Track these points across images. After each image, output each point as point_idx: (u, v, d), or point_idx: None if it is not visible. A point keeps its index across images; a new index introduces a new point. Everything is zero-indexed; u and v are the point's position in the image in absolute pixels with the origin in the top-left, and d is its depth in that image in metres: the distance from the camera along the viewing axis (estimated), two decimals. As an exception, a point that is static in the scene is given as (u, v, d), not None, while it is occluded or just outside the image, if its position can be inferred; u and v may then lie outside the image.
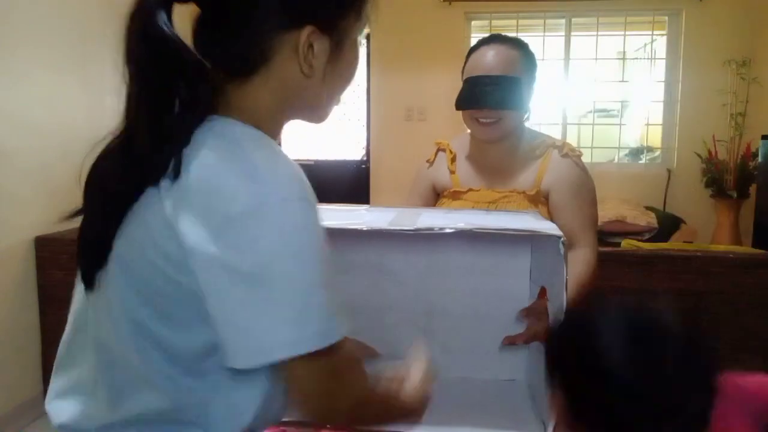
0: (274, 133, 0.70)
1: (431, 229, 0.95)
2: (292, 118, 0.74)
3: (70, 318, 0.75)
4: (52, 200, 2.54)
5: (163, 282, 0.61)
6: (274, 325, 0.58)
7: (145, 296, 0.63)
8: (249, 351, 0.59)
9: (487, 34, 1.42)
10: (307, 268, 0.59)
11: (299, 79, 0.68)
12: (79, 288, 0.72)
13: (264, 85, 0.67)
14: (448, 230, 0.94)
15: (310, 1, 0.66)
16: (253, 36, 0.65)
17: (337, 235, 1.16)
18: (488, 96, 1.30)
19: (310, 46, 0.66)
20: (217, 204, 0.58)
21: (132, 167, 0.63)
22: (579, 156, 1.38)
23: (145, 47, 0.61)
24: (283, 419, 1.00)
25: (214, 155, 0.61)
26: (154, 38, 0.61)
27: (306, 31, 0.66)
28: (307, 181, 0.63)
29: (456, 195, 1.43)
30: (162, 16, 0.61)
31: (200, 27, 0.67)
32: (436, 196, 1.50)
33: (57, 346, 0.77)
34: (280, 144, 0.76)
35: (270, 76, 0.67)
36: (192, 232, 0.58)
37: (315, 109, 0.74)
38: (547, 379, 0.78)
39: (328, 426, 1.00)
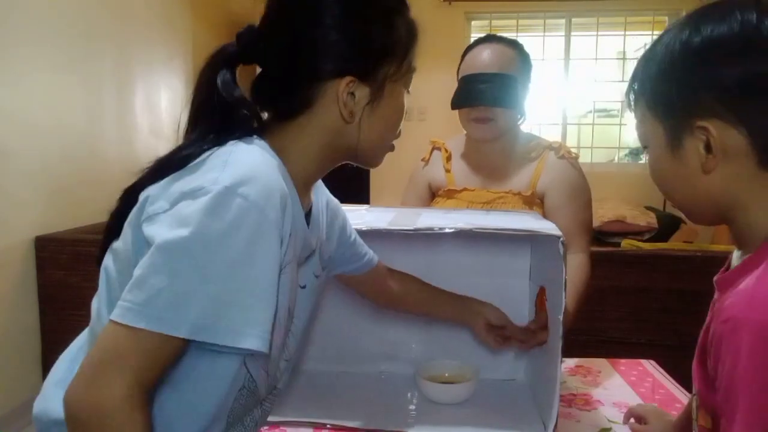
0: (302, 172, 0.75)
1: (431, 229, 0.95)
2: (338, 162, 0.79)
3: None
4: (52, 200, 2.54)
5: (127, 239, 0.67)
6: (148, 294, 0.58)
7: (119, 256, 0.69)
8: (124, 307, 0.59)
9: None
10: (209, 257, 0.59)
11: (338, 124, 0.74)
12: None
13: (304, 127, 0.74)
14: (447, 230, 0.94)
15: (350, 54, 0.71)
16: (300, 86, 0.72)
17: (337, 235, 1.17)
18: (483, 93, 1.30)
19: (351, 93, 0.72)
20: (183, 182, 0.64)
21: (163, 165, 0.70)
22: (575, 158, 1.38)
23: (207, 97, 0.71)
24: (282, 419, 1.01)
25: (212, 155, 0.66)
26: (215, 90, 0.70)
27: (345, 81, 0.71)
28: (274, 197, 0.63)
29: (451, 194, 1.43)
30: (225, 75, 0.71)
31: (259, 80, 0.75)
32: (431, 195, 1.50)
33: (57, 346, 0.78)
34: (311, 183, 0.80)
35: (311, 121, 0.73)
36: (156, 201, 0.64)
37: (359, 155, 0.78)
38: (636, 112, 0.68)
39: (327, 426, 1.00)
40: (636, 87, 0.68)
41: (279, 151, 0.72)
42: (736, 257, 0.67)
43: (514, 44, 1.37)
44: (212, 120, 0.70)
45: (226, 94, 0.70)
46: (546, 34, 4.58)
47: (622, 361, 1.31)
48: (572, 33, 4.60)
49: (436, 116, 4.47)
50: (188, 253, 0.59)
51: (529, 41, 1.41)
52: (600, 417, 1.05)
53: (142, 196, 0.67)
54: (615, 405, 1.09)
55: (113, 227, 0.71)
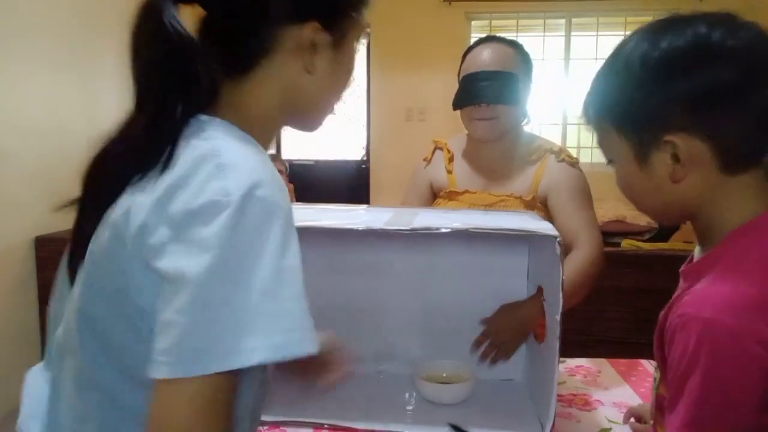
0: (265, 135, 0.69)
1: (428, 228, 0.95)
2: (286, 124, 0.72)
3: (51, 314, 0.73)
4: (52, 201, 2.53)
5: (114, 277, 0.60)
6: (209, 333, 0.52)
7: (97, 290, 0.62)
8: (182, 359, 0.52)
9: (486, 35, 1.42)
10: (256, 272, 0.53)
11: (298, 78, 0.67)
12: (61, 280, 0.71)
13: (261, 83, 0.66)
14: (444, 230, 0.94)
15: None
16: (257, 28, 0.64)
17: (334, 235, 1.17)
18: (484, 91, 1.30)
19: (313, 43, 0.65)
20: (181, 200, 0.56)
21: (125, 158, 0.63)
22: (576, 162, 1.37)
23: (153, 42, 0.61)
24: (282, 419, 1.01)
25: (193, 156, 0.59)
26: (161, 32, 0.60)
27: (310, 26, 0.65)
28: (284, 189, 0.59)
29: (452, 196, 1.42)
30: (171, 12, 0.61)
31: (205, 26, 0.65)
32: (433, 196, 1.50)
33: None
34: (270, 145, 0.72)
35: (268, 74, 0.66)
36: (156, 230, 0.56)
37: (310, 114, 0.72)
38: (601, 146, 0.71)
39: (326, 426, 1.00)
40: (596, 104, 0.70)
41: (241, 120, 0.65)
42: (698, 251, 0.71)
43: (514, 44, 1.37)
44: (165, 80, 0.61)
45: (175, 34, 0.60)
46: (546, 34, 4.58)
47: (622, 361, 1.31)
48: (572, 33, 4.60)
49: (436, 116, 4.47)
50: (230, 277, 0.53)
51: (529, 41, 1.41)
52: (600, 417, 1.05)
53: (135, 221, 0.57)
54: (615, 405, 1.09)
55: (83, 244, 0.63)
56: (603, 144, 0.72)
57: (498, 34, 1.41)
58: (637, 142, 0.66)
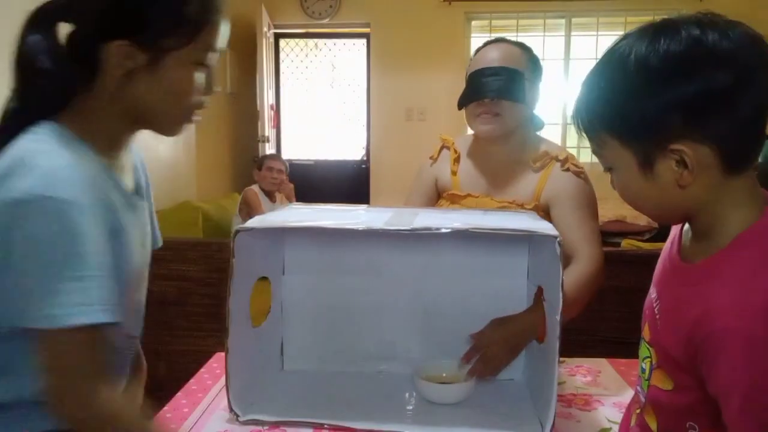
0: (113, 141, 0.79)
1: (428, 229, 0.94)
2: (142, 129, 0.82)
3: None
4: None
5: None
6: (26, 300, 0.67)
7: None
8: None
9: (486, 35, 1.42)
10: (56, 259, 0.66)
11: (125, 92, 0.76)
12: None
13: (100, 96, 0.76)
14: (444, 230, 0.94)
15: (120, 17, 0.73)
16: (82, 45, 0.75)
17: (334, 235, 1.17)
18: (488, 86, 1.28)
19: (125, 58, 0.74)
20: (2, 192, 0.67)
21: None
22: (582, 172, 1.34)
23: (18, 53, 0.75)
24: (282, 419, 1.01)
25: (14, 155, 0.70)
26: (23, 46, 0.74)
27: (115, 44, 0.73)
28: (99, 189, 0.72)
29: (454, 198, 1.41)
30: (34, 39, 0.74)
31: (68, 40, 0.77)
32: (438, 194, 1.49)
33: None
34: (122, 148, 0.84)
35: (103, 88, 0.75)
36: None
37: (155, 124, 0.81)
38: (597, 153, 0.71)
39: (326, 426, 1.00)
40: (591, 113, 0.69)
41: (84, 127, 0.75)
42: (689, 243, 0.72)
43: (522, 46, 1.35)
44: (23, 87, 0.74)
45: (29, 59, 0.73)
46: (546, 34, 4.58)
47: (622, 361, 1.31)
48: (572, 33, 4.61)
49: (436, 116, 4.47)
50: (35, 263, 0.67)
51: (529, 41, 1.40)
52: (600, 417, 1.05)
53: None
54: (615, 405, 1.09)
55: None
56: (601, 152, 0.71)
57: (505, 36, 1.40)
58: (640, 150, 0.66)
